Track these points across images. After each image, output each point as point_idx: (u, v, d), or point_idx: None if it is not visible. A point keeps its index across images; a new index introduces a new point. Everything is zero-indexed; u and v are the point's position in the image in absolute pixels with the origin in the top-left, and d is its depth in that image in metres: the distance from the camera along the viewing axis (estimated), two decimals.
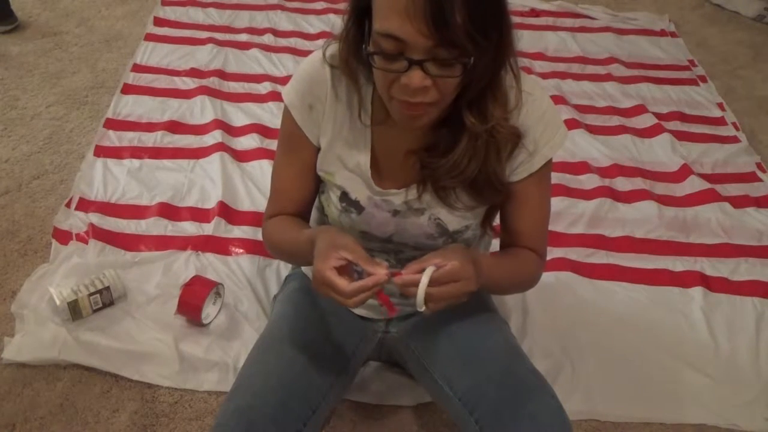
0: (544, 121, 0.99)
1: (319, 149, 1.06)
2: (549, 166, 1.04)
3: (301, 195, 1.12)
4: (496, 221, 1.12)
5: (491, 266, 1.00)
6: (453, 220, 1.05)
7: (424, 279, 0.85)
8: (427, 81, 0.83)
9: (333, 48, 0.98)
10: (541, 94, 0.99)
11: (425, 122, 0.91)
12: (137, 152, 1.98)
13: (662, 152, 2.15)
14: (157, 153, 1.99)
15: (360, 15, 0.87)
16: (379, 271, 0.87)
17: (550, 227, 1.68)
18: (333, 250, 0.89)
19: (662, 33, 2.92)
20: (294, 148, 1.07)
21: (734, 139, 2.25)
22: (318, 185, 1.12)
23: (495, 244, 1.20)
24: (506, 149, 0.97)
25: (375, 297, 0.89)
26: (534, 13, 2.96)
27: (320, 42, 0.98)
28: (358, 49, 0.91)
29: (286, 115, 1.05)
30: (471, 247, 1.13)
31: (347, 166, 1.05)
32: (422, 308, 0.87)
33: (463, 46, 0.80)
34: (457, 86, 0.86)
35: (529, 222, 1.08)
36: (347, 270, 0.90)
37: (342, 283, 0.87)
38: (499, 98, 0.92)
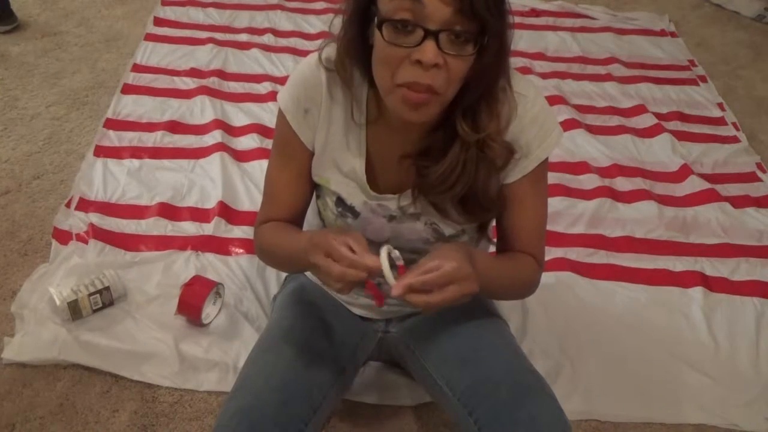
0: (538, 122, 0.98)
1: (313, 154, 1.06)
2: (544, 167, 1.03)
3: (295, 200, 1.10)
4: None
5: (487, 266, 0.98)
6: (449, 225, 1.05)
7: (383, 261, 0.85)
8: (439, 57, 0.82)
9: (329, 50, 0.97)
10: (534, 95, 0.98)
11: (425, 116, 0.89)
12: (137, 152, 1.98)
13: (662, 152, 2.15)
14: (157, 153, 1.99)
15: (365, 5, 0.86)
16: (375, 259, 0.85)
17: (550, 227, 1.70)
18: (341, 235, 0.89)
19: (662, 33, 2.92)
20: (288, 153, 1.06)
21: (734, 139, 2.25)
22: (312, 191, 1.12)
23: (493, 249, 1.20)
24: (498, 164, 0.97)
25: (363, 286, 0.87)
26: (534, 13, 2.96)
27: (320, 42, 0.98)
28: (356, 46, 0.91)
29: (281, 119, 1.04)
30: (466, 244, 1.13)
31: (342, 171, 1.04)
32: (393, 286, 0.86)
33: (481, 17, 0.80)
34: (462, 77, 0.86)
35: (525, 225, 1.07)
36: None
37: (341, 249, 0.85)
38: (493, 111, 0.93)
